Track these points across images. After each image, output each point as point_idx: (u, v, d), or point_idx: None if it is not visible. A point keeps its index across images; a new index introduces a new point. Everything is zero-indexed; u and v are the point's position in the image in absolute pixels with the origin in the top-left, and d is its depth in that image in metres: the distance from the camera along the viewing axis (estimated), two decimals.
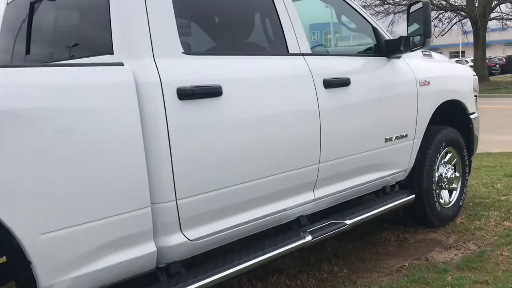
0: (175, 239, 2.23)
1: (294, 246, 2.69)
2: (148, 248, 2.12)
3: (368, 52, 3.48)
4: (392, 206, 3.44)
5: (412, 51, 3.33)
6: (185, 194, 2.21)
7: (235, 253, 2.52)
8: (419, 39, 3.15)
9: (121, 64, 2.06)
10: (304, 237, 2.76)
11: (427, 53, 4.01)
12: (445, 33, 29.61)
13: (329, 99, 2.90)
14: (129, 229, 2.04)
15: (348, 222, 3.04)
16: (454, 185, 4.13)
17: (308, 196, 2.91)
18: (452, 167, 4.10)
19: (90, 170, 1.91)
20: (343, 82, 2.99)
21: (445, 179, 4.00)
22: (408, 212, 3.92)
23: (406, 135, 3.54)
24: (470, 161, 4.39)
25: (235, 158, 2.39)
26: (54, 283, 1.84)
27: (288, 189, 2.77)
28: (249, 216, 2.56)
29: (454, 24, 30.08)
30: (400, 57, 3.56)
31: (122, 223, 2.01)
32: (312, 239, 2.79)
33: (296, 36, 2.84)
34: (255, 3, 2.93)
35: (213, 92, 2.29)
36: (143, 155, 2.05)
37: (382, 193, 3.59)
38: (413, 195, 3.64)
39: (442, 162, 4.03)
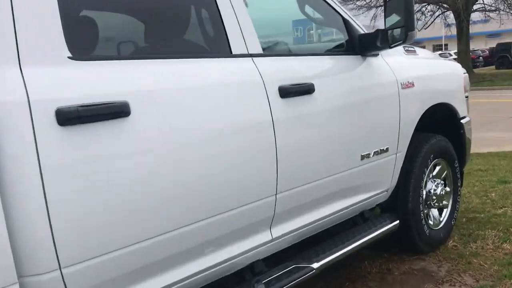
0: None
1: None
2: None
3: (338, 49, 2.86)
4: (372, 238, 2.82)
5: (391, 47, 2.71)
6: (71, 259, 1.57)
7: None
8: (400, 33, 2.53)
9: None
10: None
11: (410, 49, 3.40)
12: (427, 26, 29.23)
13: (287, 112, 2.27)
14: None
15: (315, 265, 2.41)
16: (444, 202, 3.54)
17: (263, 237, 2.28)
18: (442, 182, 3.50)
19: None
20: (305, 89, 2.36)
21: (434, 197, 3.40)
22: (392, 237, 3.31)
23: (387, 149, 2.92)
24: (462, 173, 3.80)
25: (145, 207, 1.75)
26: None
27: (236, 231, 2.13)
28: (180, 273, 1.92)
29: (437, 17, 29.70)
30: (377, 54, 2.94)
31: None
32: None
33: (242, 32, 2.20)
34: None
35: (114, 112, 1.64)
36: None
37: (360, 219, 2.98)
38: (397, 221, 3.03)
39: (431, 176, 3.43)
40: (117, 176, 1.63)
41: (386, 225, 2.95)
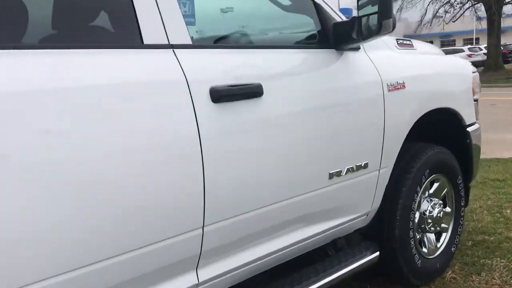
0: None
1: None
2: None
3: (305, 42, 2.32)
4: (344, 274, 2.29)
5: (364, 40, 2.15)
6: None
7: None
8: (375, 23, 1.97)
9: None
10: None
11: (405, 42, 2.83)
12: (456, 19, 28.09)
13: (221, 120, 1.76)
14: None
15: None
16: (443, 225, 2.98)
17: (187, 281, 1.78)
18: (441, 202, 2.94)
19: None
20: (249, 92, 1.84)
21: (429, 220, 2.84)
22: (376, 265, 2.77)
23: (366, 165, 2.38)
24: (467, 190, 3.22)
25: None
26: None
27: (148, 275, 1.64)
28: None
29: (466, 9, 28.50)
30: (358, 48, 2.40)
31: None
32: None
33: (161, 15, 1.69)
34: None
35: None
36: None
37: (332, 249, 2.46)
38: (377, 253, 2.49)
39: (426, 195, 2.87)
40: None
41: (363, 257, 2.42)
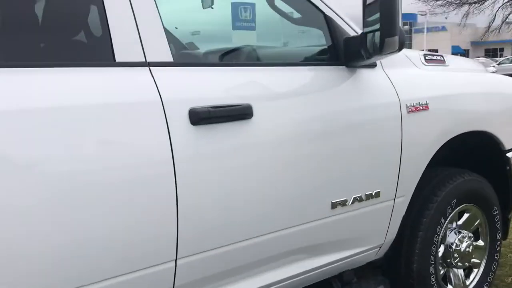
0: None
1: None
2: None
3: (314, 58, 2.13)
4: None
5: (368, 59, 1.94)
6: None
7: None
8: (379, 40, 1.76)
9: None
10: None
11: (435, 58, 2.57)
12: None
13: (201, 145, 1.62)
14: None
15: None
16: (474, 260, 2.69)
17: None
18: (471, 234, 2.65)
19: None
20: (236, 113, 1.69)
21: (456, 254, 2.56)
22: None
23: (378, 194, 2.16)
24: (507, 221, 2.90)
25: None
26: None
27: None
28: None
29: None
30: (374, 65, 2.18)
31: None
32: None
33: (138, 30, 1.57)
34: None
35: None
36: None
37: (338, 282, 2.25)
38: None
39: (453, 227, 2.60)
40: None
41: None
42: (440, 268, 2.56)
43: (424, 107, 2.26)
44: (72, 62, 1.48)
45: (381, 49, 1.73)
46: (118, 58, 1.52)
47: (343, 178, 2.02)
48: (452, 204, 2.49)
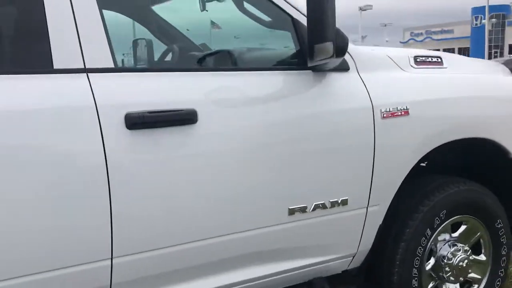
0: None
1: None
2: None
3: (281, 62, 2.09)
4: None
5: (311, 68, 1.87)
6: None
7: None
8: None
9: None
10: None
11: (429, 59, 2.43)
12: None
13: (137, 149, 1.67)
14: None
15: None
16: (474, 275, 2.53)
17: None
18: (467, 248, 2.49)
19: None
20: (177, 118, 1.72)
21: (447, 267, 2.42)
22: None
23: (345, 202, 2.09)
24: (510, 241, 2.68)
25: None
26: None
27: None
28: None
29: None
30: (347, 68, 2.11)
31: None
32: None
33: (79, 38, 1.64)
34: None
35: None
36: None
37: None
38: None
39: (448, 239, 2.45)
40: None
41: None
42: (431, 280, 2.43)
43: (403, 113, 2.16)
44: (11, 70, 1.58)
45: (311, 56, 1.67)
46: (56, 65, 1.61)
47: (301, 185, 1.98)
48: (441, 215, 2.35)
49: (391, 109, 2.13)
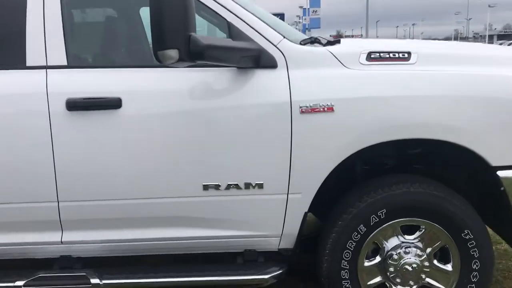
0: None
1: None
2: None
3: None
4: (212, 281, 2.41)
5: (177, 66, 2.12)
6: None
7: None
8: None
9: None
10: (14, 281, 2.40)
11: (391, 55, 2.36)
12: None
13: (74, 124, 2.29)
14: None
15: (96, 281, 2.38)
16: (430, 281, 2.43)
17: (54, 236, 2.44)
18: (421, 253, 2.39)
19: None
20: (105, 104, 2.27)
21: (391, 268, 2.40)
22: None
23: (261, 186, 2.32)
24: (486, 258, 2.40)
25: None
26: None
27: (21, 223, 2.42)
28: None
29: None
30: (275, 66, 2.30)
31: None
32: (23, 286, 2.39)
33: (45, 41, 2.32)
34: None
35: None
36: None
37: (242, 258, 2.52)
38: (267, 276, 2.40)
39: (403, 240, 2.41)
40: None
41: (248, 275, 2.41)
42: (375, 276, 2.44)
43: (326, 109, 2.24)
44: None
45: (159, 61, 1.96)
46: (28, 63, 2.33)
47: (214, 166, 2.31)
48: (380, 214, 2.34)
49: (311, 105, 2.25)
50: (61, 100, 2.28)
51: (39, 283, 2.40)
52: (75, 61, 2.39)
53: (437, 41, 3.73)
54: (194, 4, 1.97)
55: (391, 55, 2.38)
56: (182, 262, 2.61)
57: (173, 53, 1.91)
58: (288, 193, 2.34)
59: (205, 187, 2.34)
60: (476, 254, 2.37)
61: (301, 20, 47.03)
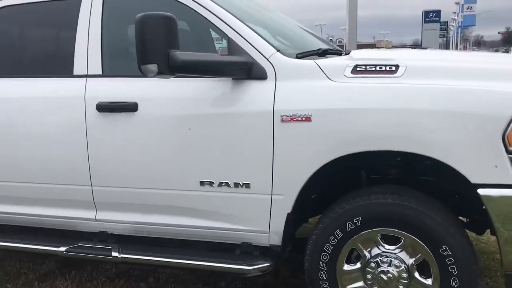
0: None
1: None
2: None
3: None
4: (202, 266, 2.73)
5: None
6: None
7: None
8: None
9: None
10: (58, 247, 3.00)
11: (377, 68, 2.42)
12: None
13: (102, 123, 2.79)
14: None
15: (115, 254, 2.86)
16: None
17: (90, 214, 2.98)
18: (399, 264, 2.43)
19: None
20: (125, 107, 2.73)
21: (368, 275, 2.48)
22: None
23: (248, 186, 2.58)
24: (466, 276, 2.33)
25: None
26: None
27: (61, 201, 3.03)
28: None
29: None
30: (265, 78, 2.54)
31: None
32: (65, 252, 2.97)
33: (88, 55, 2.87)
34: (58, 19, 3.07)
35: None
36: None
37: (238, 250, 2.79)
38: (251, 268, 2.63)
39: (383, 250, 2.47)
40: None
41: (236, 264, 2.67)
42: (356, 281, 2.53)
43: (303, 118, 2.41)
44: (53, 75, 2.97)
45: (142, 73, 2.30)
46: (75, 73, 2.90)
47: (208, 165, 2.63)
48: (356, 221, 2.43)
49: (290, 115, 2.43)
50: (94, 103, 2.80)
51: (77, 251, 2.97)
52: (107, 71, 2.88)
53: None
54: (178, 24, 2.30)
55: (377, 68, 2.44)
56: (187, 247, 2.97)
57: (153, 68, 2.26)
58: (272, 194, 2.56)
59: (202, 183, 2.67)
60: (455, 272, 2.33)
61: (456, 17, 43.89)
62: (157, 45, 2.24)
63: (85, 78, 2.88)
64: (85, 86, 2.85)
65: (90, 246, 2.97)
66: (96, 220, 2.98)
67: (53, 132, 2.91)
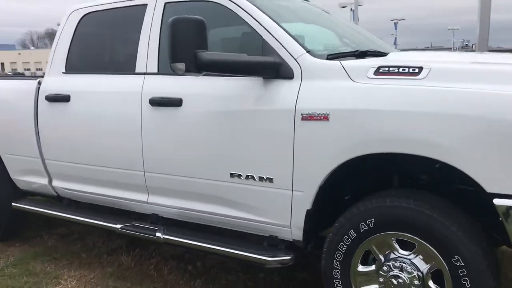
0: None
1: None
2: None
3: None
4: (234, 254, 2.89)
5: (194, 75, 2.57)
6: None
7: None
8: None
9: None
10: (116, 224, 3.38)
11: (400, 70, 2.39)
12: None
13: (154, 116, 3.11)
14: None
15: (159, 235, 3.15)
16: None
17: (143, 197, 3.32)
18: (410, 269, 2.37)
19: None
20: (172, 102, 3.01)
21: (381, 278, 2.45)
22: None
23: (271, 180, 2.69)
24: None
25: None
26: None
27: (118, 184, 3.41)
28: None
29: None
30: (291, 77, 2.64)
31: None
32: (120, 229, 3.34)
33: (147, 56, 3.21)
34: (128, 27, 3.42)
35: (64, 98, 3.54)
36: None
37: (266, 242, 2.92)
38: (270, 258, 2.73)
39: (398, 254, 2.43)
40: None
41: (259, 254, 2.79)
42: (371, 283, 2.52)
43: (321, 117, 2.47)
44: (122, 72, 3.36)
45: (173, 71, 2.50)
46: (136, 70, 3.26)
47: (238, 158, 2.79)
48: (369, 223, 2.42)
49: (310, 113, 2.51)
50: (148, 97, 3.12)
51: (129, 228, 3.32)
52: (161, 70, 3.19)
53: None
54: (207, 27, 2.49)
55: (400, 69, 2.41)
56: (221, 236, 3.15)
57: (181, 66, 2.50)
58: (292, 190, 2.65)
59: (231, 175, 2.85)
60: (468, 284, 2.22)
61: None
62: (186, 46, 2.47)
63: (143, 76, 3.22)
64: (143, 83, 3.19)
65: (140, 226, 3.31)
66: (148, 203, 3.31)
67: (118, 122, 3.30)
